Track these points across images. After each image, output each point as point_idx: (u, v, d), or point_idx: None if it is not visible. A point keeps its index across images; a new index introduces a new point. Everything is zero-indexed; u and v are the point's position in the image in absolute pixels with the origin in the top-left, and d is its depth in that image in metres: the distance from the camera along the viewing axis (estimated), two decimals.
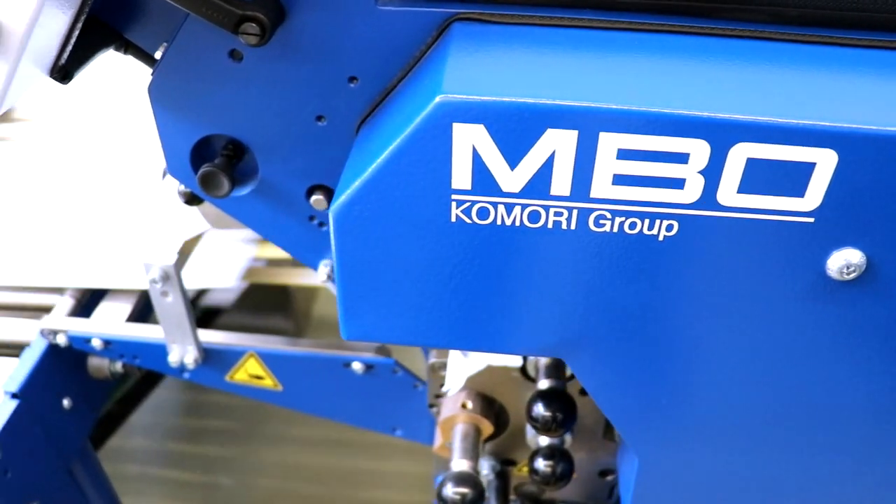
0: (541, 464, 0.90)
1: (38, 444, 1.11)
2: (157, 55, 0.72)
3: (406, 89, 0.63)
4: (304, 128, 0.72)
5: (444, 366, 0.93)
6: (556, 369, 0.88)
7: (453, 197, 0.57)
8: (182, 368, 1.08)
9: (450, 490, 0.87)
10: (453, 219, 0.58)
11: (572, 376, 0.89)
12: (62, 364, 1.16)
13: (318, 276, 0.82)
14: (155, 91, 0.72)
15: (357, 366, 1.03)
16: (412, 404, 1.07)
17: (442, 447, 0.97)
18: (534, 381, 0.91)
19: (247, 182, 0.77)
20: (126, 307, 1.16)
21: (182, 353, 1.05)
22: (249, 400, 2.28)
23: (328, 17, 0.64)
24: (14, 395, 1.08)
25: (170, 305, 0.99)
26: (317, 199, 0.76)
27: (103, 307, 1.18)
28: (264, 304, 1.91)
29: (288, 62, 0.67)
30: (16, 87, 0.62)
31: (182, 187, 0.81)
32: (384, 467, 2.14)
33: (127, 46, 0.74)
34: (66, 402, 1.17)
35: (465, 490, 0.87)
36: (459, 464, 0.90)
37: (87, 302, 1.20)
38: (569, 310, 0.63)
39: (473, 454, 0.91)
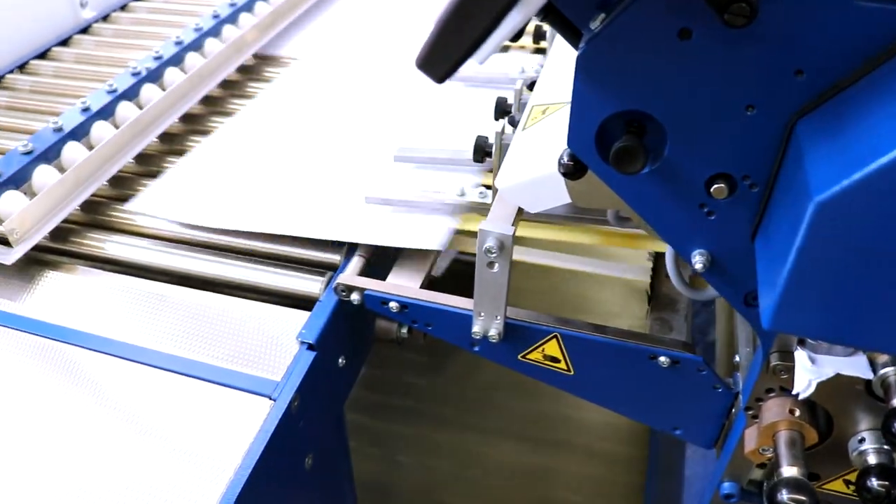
0: (874, 483, 0.90)
1: (320, 399, 1.16)
2: (593, 25, 0.75)
3: (882, 90, 0.65)
4: (731, 114, 0.74)
5: (786, 369, 0.94)
6: None
7: None
8: (480, 341, 1.11)
9: (785, 496, 0.89)
10: None
11: None
12: (345, 322, 1.21)
13: (694, 265, 0.84)
14: (586, 61, 0.75)
15: (664, 359, 1.05)
16: (705, 405, 1.09)
17: (754, 452, 0.98)
18: (876, 397, 0.91)
19: (648, 161, 0.79)
20: (420, 272, 1.21)
21: (487, 326, 1.08)
22: (431, 379, 2.35)
23: (796, 5, 0.66)
24: (310, 347, 1.14)
25: (493, 276, 1.02)
26: (718, 187, 0.78)
27: (397, 270, 1.22)
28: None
29: (738, 46, 0.69)
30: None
31: (565, 158, 0.84)
32: (564, 467, 2.17)
33: (547, 13, 0.77)
34: (341, 361, 1.22)
35: (801, 497, 0.88)
36: (790, 470, 0.91)
37: (375, 262, 1.25)
38: None
39: (802, 462, 0.92)
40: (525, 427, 2.27)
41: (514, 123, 1.20)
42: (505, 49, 1.89)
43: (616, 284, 2.57)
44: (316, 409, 1.15)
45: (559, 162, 0.85)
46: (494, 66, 1.73)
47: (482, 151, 1.24)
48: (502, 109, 1.34)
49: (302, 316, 1.19)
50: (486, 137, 1.26)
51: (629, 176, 0.80)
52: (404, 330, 1.21)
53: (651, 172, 0.80)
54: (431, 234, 1.25)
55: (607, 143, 0.79)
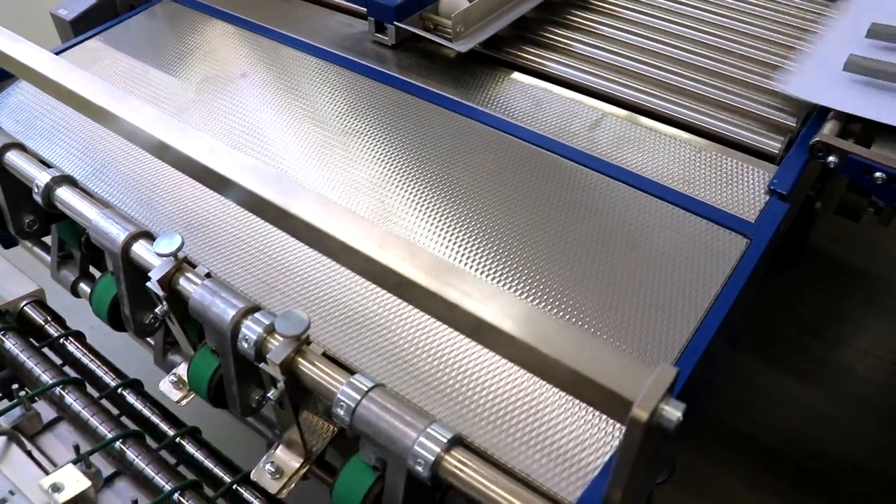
0: None
1: (769, 254, 1.13)
2: None
3: None
4: None
5: None
6: None
7: None
8: None
9: None
10: None
11: None
12: (802, 185, 1.18)
13: None
14: None
15: None
16: None
17: None
18: None
19: None
20: None
21: None
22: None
23: None
24: (781, 198, 1.12)
25: None
26: None
27: (880, 141, 1.17)
28: None
29: None
30: None
31: None
32: None
33: None
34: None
35: None
36: None
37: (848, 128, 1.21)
38: None
39: None
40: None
41: None
42: None
43: None
44: (766, 262, 1.12)
45: None
46: None
47: None
48: None
49: (759, 166, 1.20)
50: None
51: None
52: (868, 206, 1.17)
53: None
54: None
55: None
